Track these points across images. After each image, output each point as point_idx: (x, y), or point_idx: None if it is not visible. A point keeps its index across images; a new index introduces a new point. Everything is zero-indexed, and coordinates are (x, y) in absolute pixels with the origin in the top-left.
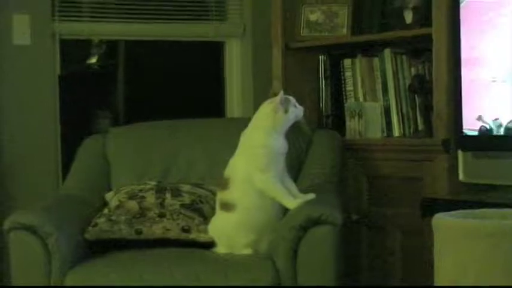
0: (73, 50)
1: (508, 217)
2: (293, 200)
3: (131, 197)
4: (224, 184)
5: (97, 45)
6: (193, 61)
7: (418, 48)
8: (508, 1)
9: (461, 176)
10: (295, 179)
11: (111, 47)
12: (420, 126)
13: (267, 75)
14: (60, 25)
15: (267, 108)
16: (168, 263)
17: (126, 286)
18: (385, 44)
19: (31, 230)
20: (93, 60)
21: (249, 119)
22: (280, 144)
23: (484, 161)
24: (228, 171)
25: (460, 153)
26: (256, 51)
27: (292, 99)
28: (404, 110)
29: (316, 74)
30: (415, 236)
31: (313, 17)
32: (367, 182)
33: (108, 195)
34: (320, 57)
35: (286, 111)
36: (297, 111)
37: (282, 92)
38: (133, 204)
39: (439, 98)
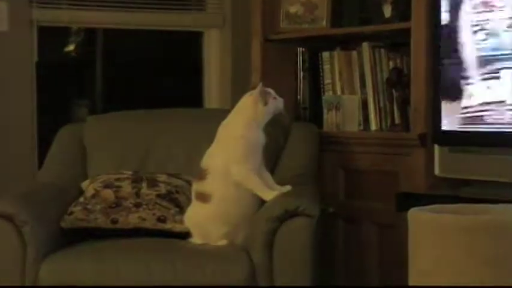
0: (51, 37)
1: (483, 212)
2: (270, 191)
3: (107, 186)
4: (201, 175)
5: (75, 33)
6: (172, 51)
7: (396, 42)
8: None
9: (437, 171)
10: (272, 171)
11: (89, 35)
12: (397, 120)
13: (245, 67)
14: (39, 12)
15: (246, 100)
16: (143, 253)
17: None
18: (363, 37)
19: (7, 218)
20: (71, 47)
21: (227, 110)
22: (258, 136)
23: (460, 155)
24: (205, 162)
25: (436, 147)
26: (235, 42)
27: (271, 91)
28: (381, 104)
29: (294, 66)
30: (391, 229)
31: (292, 9)
32: (344, 175)
33: (84, 184)
34: (299, 49)
35: (265, 103)
36: (276, 103)
37: (260, 84)
38: (109, 194)
39: (417, 92)
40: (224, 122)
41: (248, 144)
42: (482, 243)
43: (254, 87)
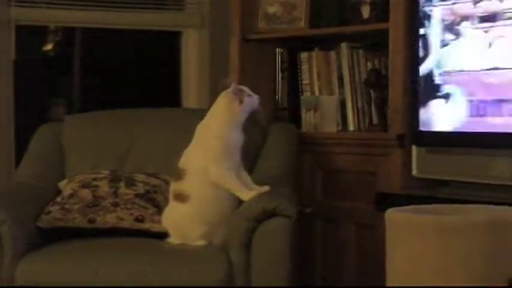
0: (29, 36)
1: (460, 212)
2: (248, 191)
3: (85, 185)
4: (179, 175)
5: (53, 32)
6: (150, 50)
7: (374, 43)
8: None
9: (414, 171)
10: (251, 171)
11: (67, 34)
12: (375, 121)
13: (224, 67)
14: (16, 11)
15: (221, 100)
16: (121, 253)
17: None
18: (342, 38)
19: None
20: (49, 47)
21: (205, 110)
22: (237, 136)
23: (438, 156)
24: (183, 162)
25: (414, 148)
26: (214, 42)
27: (246, 89)
28: (359, 104)
29: (273, 66)
30: (369, 229)
31: (271, 10)
32: (322, 175)
33: (62, 184)
34: (277, 49)
35: (241, 101)
36: (252, 100)
37: (234, 83)
38: (86, 193)
39: (395, 93)
40: (202, 123)
41: (226, 144)
42: (458, 243)
43: (224, 87)
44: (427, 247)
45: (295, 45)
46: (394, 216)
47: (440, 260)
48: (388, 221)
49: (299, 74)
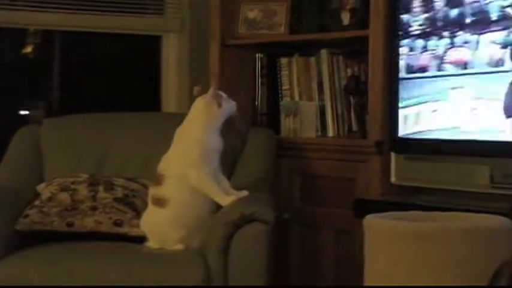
0: (8, 39)
1: (438, 220)
2: (226, 196)
3: (63, 189)
4: (157, 180)
5: (33, 34)
6: (130, 54)
7: (354, 50)
8: None
9: (393, 178)
10: (229, 176)
11: (47, 37)
12: (354, 127)
13: (203, 71)
14: None
15: (200, 104)
16: (99, 257)
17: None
18: (322, 44)
19: None
20: (29, 49)
21: (185, 114)
22: (215, 140)
23: (416, 164)
24: (162, 167)
25: (392, 155)
26: (193, 47)
27: (223, 94)
28: (339, 111)
29: (252, 71)
30: (347, 236)
31: (251, 15)
32: (301, 180)
33: (40, 187)
34: (257, 55)
35: (219, 105)
36: (229, 105)
37: (213, 88)
38: (65, 197)
39: (374, 100)
40: (180, 127)
41: (204, 148)
42: (435, 250)
43: (199, 93)
44: (405, 254)
45: (275, 50)
46: (372, 222)
47: (418, 267)
48: (366, 228)
49: (279, 80)
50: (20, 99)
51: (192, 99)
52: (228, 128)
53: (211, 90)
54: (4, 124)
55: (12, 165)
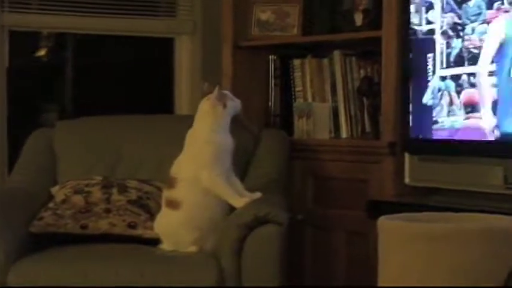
0: (22, 42)
1: (451, 220)
2: (239, 198)
3: (77, 191)
4: (170, 183)
5: (46, 37)
6: (142, 57)
7: (367, 51)
8: None
9: (407, 179)
10: (242, 177)
11: (60, 40)
12: (368, 128)
13: (216, 73)
14: (9, 16)
15: (205, 105)
16: (112, 260)
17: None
18: (335, 45)
19: None
20: (42, 52)
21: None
22: (226, 140)
23: (430, 164)
24: (174, 170)
25: (406, 156)
26: (206, 49)
27: (228, 93)
28: (352, 112)
29: (265, 73)
30: (360, 237)
31: (264, 16)
32: (314, 182)
33: (54, 189)
34: (270, 56)
35: (224, 105)
36: (234, 104)
37: (217, 88)
38: (79, 199)
39: (387, 101)
40: (191, 130)
41: (215, 149)
42: (449, 251)
43: (207, 92)
44: (418, 255)
45: (288, 52)
46: (386, 223)
47: (431, 268)
48: (380, 229)
49: (292, 81)
50: (33, 102)
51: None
52: (237, 126)
53: (215, 91)
54: (18, 127)
55: (26, 167)
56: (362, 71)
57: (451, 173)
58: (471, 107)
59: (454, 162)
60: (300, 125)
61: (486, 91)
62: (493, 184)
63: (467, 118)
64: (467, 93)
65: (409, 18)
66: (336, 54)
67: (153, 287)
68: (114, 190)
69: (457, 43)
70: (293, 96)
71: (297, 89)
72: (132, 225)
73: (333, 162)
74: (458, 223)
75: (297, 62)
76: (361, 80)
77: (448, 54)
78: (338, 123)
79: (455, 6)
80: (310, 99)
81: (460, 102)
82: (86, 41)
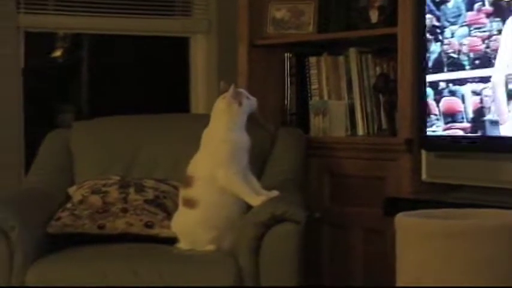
0: (38, 43)
1: (469, 217)
2: (256, 197)
3: (94, 191)
4: (187, 182)
5: (62, 38)
6: (158, 56)
7: (383, 48)
8: None
9: (424, 176)
10: (259, 176)
11: (76, 40)
12: (384, 126)
13: (232, 72)
14: (25, 17)
15: (221, 104)
16: (130, 259)
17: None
18: (350, 42)
19: None
20: (58, 53)
21: None
22: (242, 138)
23: (447, 161)
24: (191, 169)
25: (423, 153)
26: (222, 48)
27: (243, 91)
28: (368, 109)
29: (281, 71)
30: (377, 234)
31: (279, 15)
32: (330, 180)
33: (71, 190)
34: (285, 54)
35: (240, 104)
36: (250, 102)
37: (233, 86)
38: (96, 199)
39: (404, 98)
40: (206, 129)
41: (231, 147)
42: (467, 247)
43: (223, 91)
44: (436, 252)
45: (303, 50)
46: (403, 221)
47: (449, 265)
48: (398, 226)
49: (307, 79)
50: (49, 102)
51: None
52: (253, 124)
53: (231, 89)
54: (34, 128)
55: (43, 168)
56: (378, 68)
57: (468, 169)
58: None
59: (471, 158)
60: (316, 123)
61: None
62: (510, 180)
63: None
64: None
65: (424, 14)
66: (352, 51)
67: (172, 287)
68: (131, 190)
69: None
70: (309, 94)
71: (312, 86)
72: (149, 225)
73: (349, 160)
74: (476, 220)
75: (312, 59)
76: (377, 77)
77: None
78: (354, 120)
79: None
80: (326, 97)
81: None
82: (101, 41)
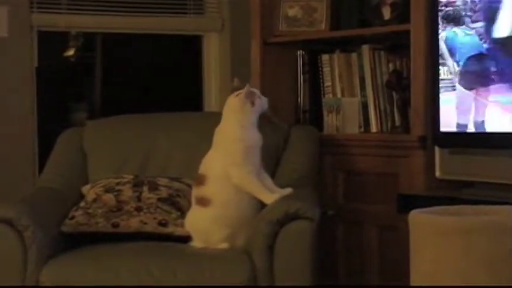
0: (50, 42)
1: (483, 213)
2: (270, 194)
3: (108, 190)
4: (199, 180)
5: (74, 37)
6: (171, 54)
7: (396, 44)
8: None
9: (437, 173)
10: (273, 174)
11: (88, 39)
12: (397, 122)
13: (244, 70)
14: (38, 17)
15: (234, 102)
16: (144, 258)
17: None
18: (363, 39)
19: (7, 222)
20: (71, 52)
21: None
22: (254, 137)
23: (461, 157)
24: (203, 168)
25: (436, 149)
26: (234, 46)
27: (256, 91)
28: (381, 106)
29: (294, 69)
30: (391, 231)
31: (291, 12)
32: (344, 177)
33: (85, 188)
34: (298, 52)
35: (253, 104)
36: (262, 102)
37: (248, 86)
38: (110, 198)
39: (416, 94)
40: (219, 127)
41: (244, 146)
42: (482, 244)
43: (236, 88)
44: (450, 248)
45: (316, 47)
46: (418, 217)
47: (464, 262)
48: (412, 223)
49: (320, 76)
50: (62, 101)
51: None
52: (265, 122)
53: (245, 89)
54: (47, 127)
55: (57, 167)
56: (391, 65)
57: (482, 165)
58: None
59: (485, 154)
60: (330, 120)
61: None
62: None
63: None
64: None
65: (437, 10)
66: (365, 48)
67: (186, 286)
68: (145, 188)
69: None
70: (322, 92)
71: (325, 84)
72: (163, 223)
73: (363, 157)
74: (491, 216)
75: (325, 57)
76: (390, 74)
77: None
78: (367, 117)
79: None
80: (339, 94)
81: None
82: (114, 40)
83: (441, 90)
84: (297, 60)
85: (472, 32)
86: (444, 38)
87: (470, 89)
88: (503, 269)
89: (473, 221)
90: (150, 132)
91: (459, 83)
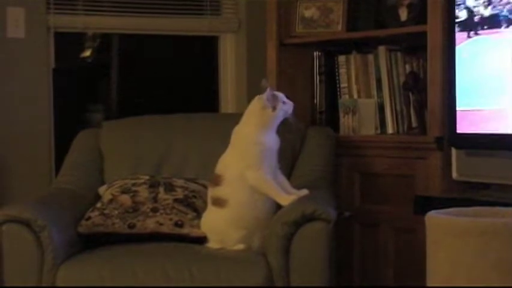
0: (67, 43)
1: (499, 215)
2: (286, 196)
3: (124, 191)
4: (216, 181)
5: (91, 38)
6: (187, 55)
7: (412, 46)
8: None
9: (454, 174)
10: (289, 175)
11: (105, 40)
12: (414, 124)
13: (261, 71)
14: (55, 18)
15: (255, 105)
16: (160, 259)
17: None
18: (379, 40)
19: (24, 223)
20: (87, 53)
21: (242, 115)
22: (272, 140)
23: (477, 159)
24: (220, 168)
25: (453, 151)
26: (251, 47)
27: (280, 95)
28: (398, 107)
29: (310, 70)
30: (408, 233)
31: (308, 13)
32: (360, 178)
33: (101, 189)
34: (315, 53)
35: (274, 108)
36: (286, 107)
37: (268, 89)
38: (126, 199)
39: (433, 96)
40: (236, 128)
41: (262, 149)
42: (499, 246)
43: (265, 89)
44: (467, 250)
45: (332, 48)
46: (434, 219)
47: (480, 263)
48: (428, 224)
49: (337, 78)
50: (79, 102)
51: (250, 99)
52: (286, 127)
53: (266, 92)
54: (64, 128)
55: (73, 168)
56: (407, 66)
57: (499, 167)
58: None
59: (502, 156)
60: (346, 122)
61: None
62: None
63: None
64: None
65: (454, 12)
66: (381, 49)
67: (202, 287)
68: (161, 189)
69: None
70: (338, 93)
71: (342, 85)
72: (179, 224)
73: (379, 159)
74: (507, 218)
75: (341, 58)
76: (407, 75)
77: None
78: (384, 119)
79: None
80: (355, 96)
81: None
82: (130, 41)
83: None
84: (313, 61)
85: None
86: None
87: None
88: None
89: (489, 222)
90: (166, 133)
91: None
